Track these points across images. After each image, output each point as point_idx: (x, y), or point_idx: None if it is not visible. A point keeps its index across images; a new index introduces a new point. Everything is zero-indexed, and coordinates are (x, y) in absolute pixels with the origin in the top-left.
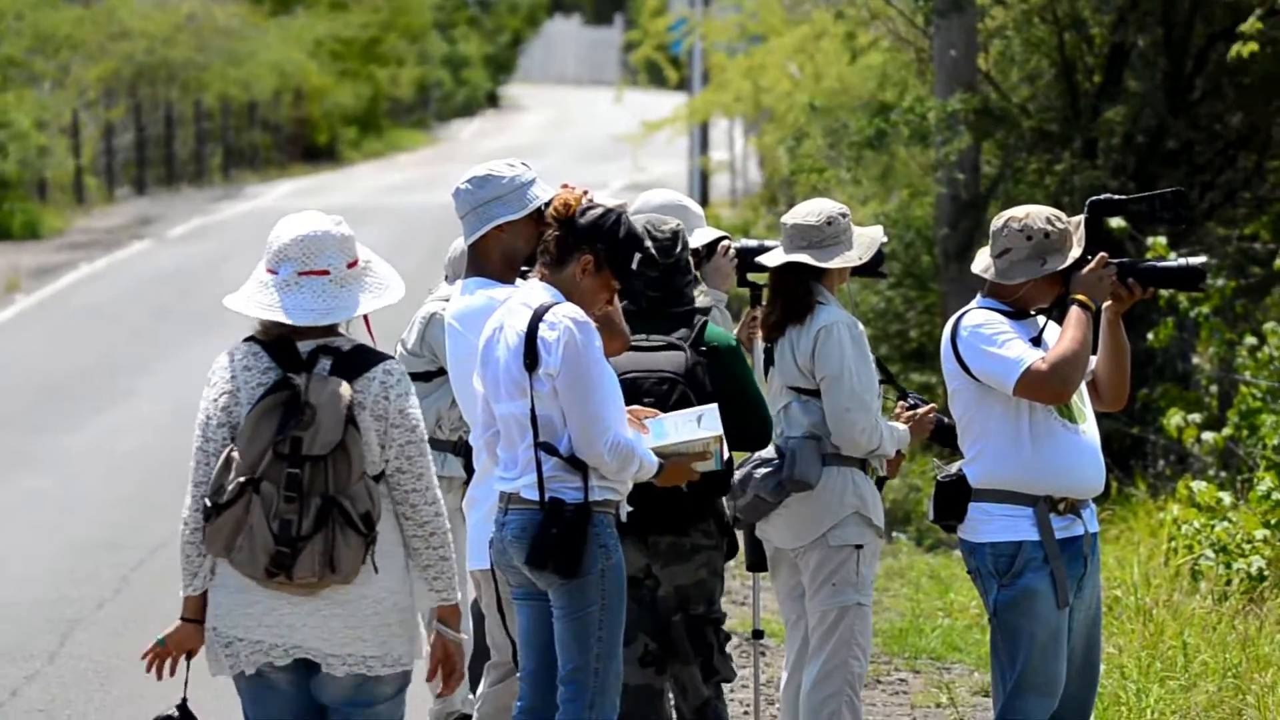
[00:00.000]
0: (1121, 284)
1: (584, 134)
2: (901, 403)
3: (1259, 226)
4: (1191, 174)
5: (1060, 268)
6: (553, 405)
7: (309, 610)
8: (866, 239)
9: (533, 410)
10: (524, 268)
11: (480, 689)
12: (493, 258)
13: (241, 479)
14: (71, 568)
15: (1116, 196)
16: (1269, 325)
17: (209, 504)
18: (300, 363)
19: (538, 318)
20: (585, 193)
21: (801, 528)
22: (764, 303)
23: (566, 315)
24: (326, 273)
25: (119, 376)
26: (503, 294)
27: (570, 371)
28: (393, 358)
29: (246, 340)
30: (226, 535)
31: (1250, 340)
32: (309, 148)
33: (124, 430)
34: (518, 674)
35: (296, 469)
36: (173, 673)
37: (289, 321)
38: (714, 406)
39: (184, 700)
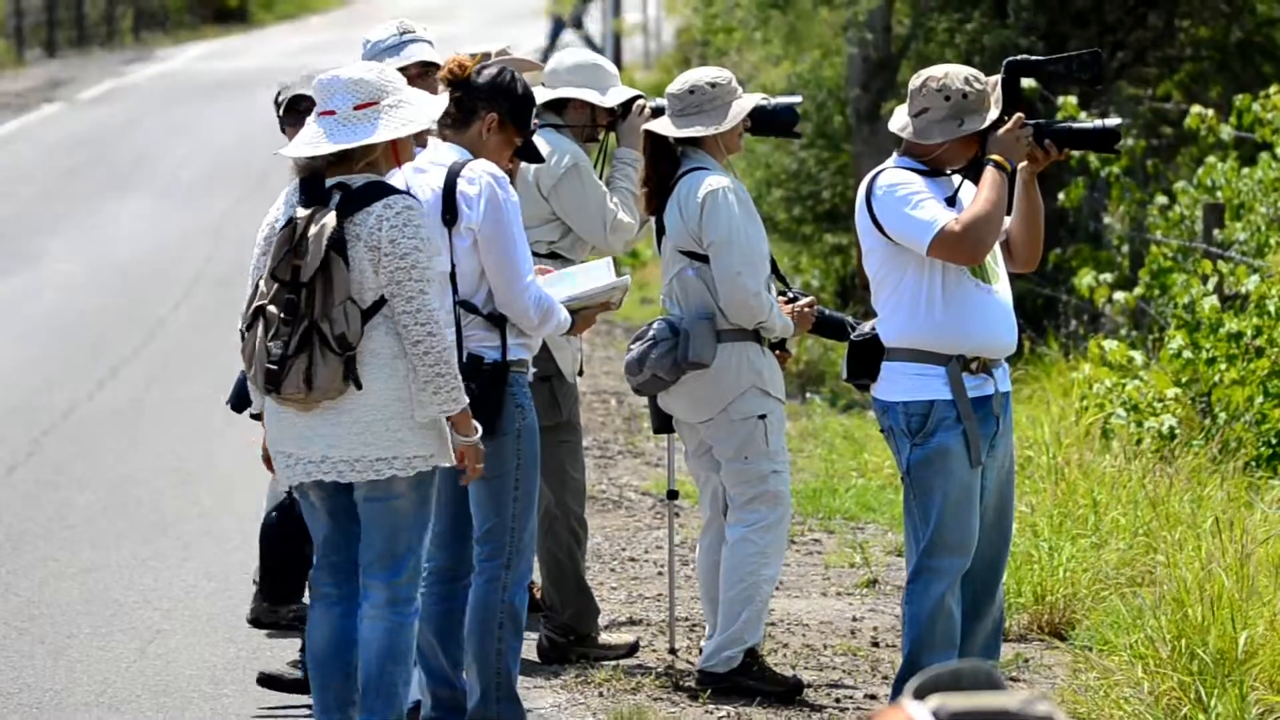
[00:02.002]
0: (1038, 145)
1: None
2: (781, 297)
3: (1170, 86)
4: (1102, 33)
5: (977, 129)
6: (470, 261)
7: (319, 419)
8: (735, 109)
9: (453, 266)
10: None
11: None
12: None
13: (256, 304)
14: None
15: (1033, 58)
16: (1180, 185)
17: (241, 329)
18: (321, 198)
19: (454, 174)
20: (502, 50)
21: (702, 403)
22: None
23: (485, 170)
24: (334, 113)
25: (30, 238)
26: None
27: (493, 225)
28: (402, 192)
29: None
30: (248, 356)
31: (1161, 200)
32: (220, 9)
33: (35, 292)
34: None
35: (294, 295)
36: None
37: (285, 154)
38: (608, 259)
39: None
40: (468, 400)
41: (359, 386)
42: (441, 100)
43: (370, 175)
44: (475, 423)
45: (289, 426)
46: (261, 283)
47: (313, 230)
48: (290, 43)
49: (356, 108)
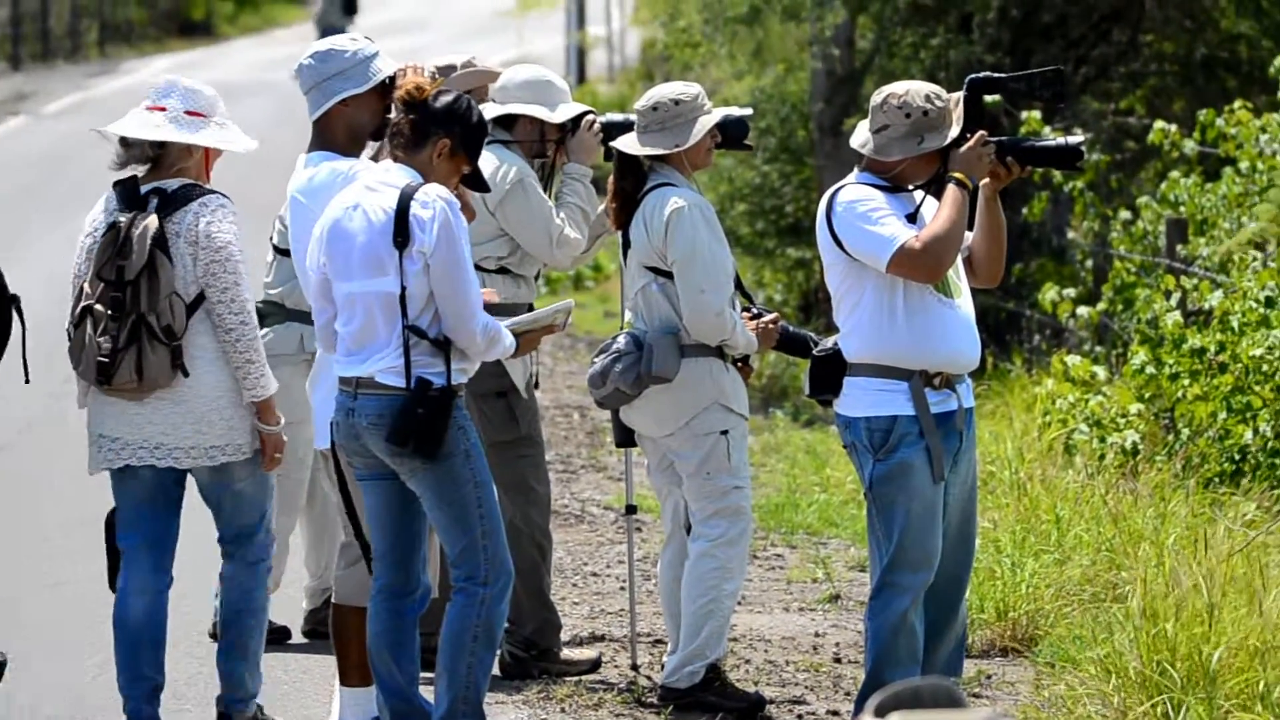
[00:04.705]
0: (1000, 162)
1: (466, 9)
2: (745, 312)
3: (1133, 101)
4: (1066, 48)
5: (938, 147)
6: (420, 284)
7: (152, 409)
8: (699, 126)
9: (403, 290)
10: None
11: (335, 571)
12: (337, 132)
13: (84, 304)
14: None
15: (996, 75)
16: (1143, 199)
17: (69, 328)
18: (138, 202)
19: (408, 196)
20: (468, 62)
21: (664, 417)
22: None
23: (439, 195)
24: (164, 109)
25: None
26: (346, 165)
27: (445, 251)
28: (216, 193)
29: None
30: (76, 352)
31: (1125, 215)
32: (185, 22)
33: None
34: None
35: (119, 293)
36: None
37: (107, 130)
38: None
39: None
40: (276, 386)
41: (185, 375)
42: (250, 142)
43: (184, 179)
44: (280, 414)
45: (120, 414)
46: (85, 284)
47: (136, 231)
48: (256, 56)
49: (187, 112)
